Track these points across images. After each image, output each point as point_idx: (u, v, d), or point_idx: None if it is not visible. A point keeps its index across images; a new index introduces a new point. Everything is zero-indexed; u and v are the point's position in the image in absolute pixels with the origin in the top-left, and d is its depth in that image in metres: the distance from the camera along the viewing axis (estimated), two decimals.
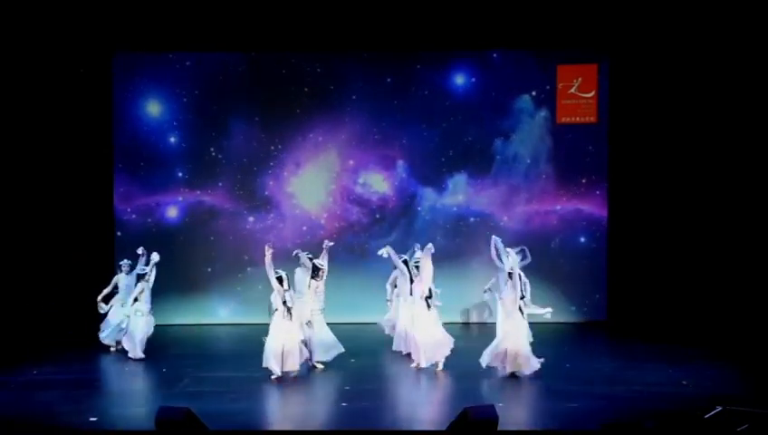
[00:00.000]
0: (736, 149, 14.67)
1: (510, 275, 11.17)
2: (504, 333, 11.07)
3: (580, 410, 9.58)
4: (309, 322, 11.71)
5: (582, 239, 15.61)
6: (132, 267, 13.11)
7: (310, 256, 12.48)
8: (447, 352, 11.56)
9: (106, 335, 13.01)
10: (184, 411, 8.03)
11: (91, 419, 9.26)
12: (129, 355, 12.40)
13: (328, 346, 11.85)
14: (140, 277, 12.46)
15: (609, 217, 15.50)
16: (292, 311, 11.22)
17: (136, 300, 12.50)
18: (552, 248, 15.50)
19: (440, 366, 11.53)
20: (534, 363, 11.11)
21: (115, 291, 13.15)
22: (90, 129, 15.13)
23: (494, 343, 11.15)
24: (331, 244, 12.41)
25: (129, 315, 12.48)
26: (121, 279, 13.13)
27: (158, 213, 15.55)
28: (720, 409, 8.90)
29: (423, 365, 11.48)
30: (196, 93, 15.48)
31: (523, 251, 12.48)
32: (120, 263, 13.29)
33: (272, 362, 11.02)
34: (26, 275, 14.68)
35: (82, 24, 14.69)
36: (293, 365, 11.18)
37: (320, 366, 11.75)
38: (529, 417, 9.53)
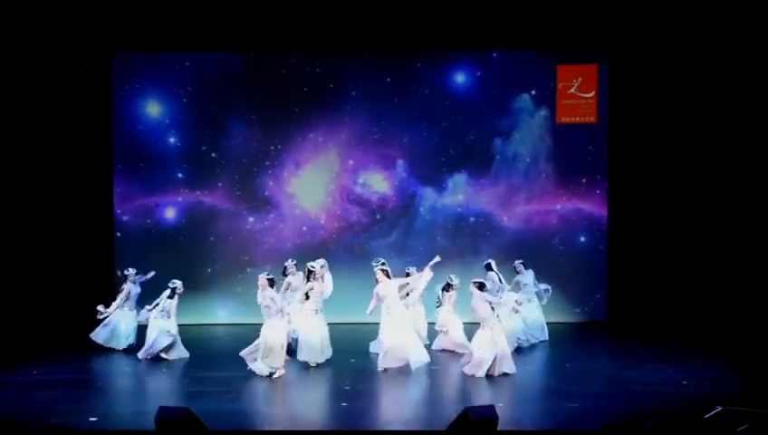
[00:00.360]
0: (736, 148, 14.67)
1: (480, 286, 11.38)
2: (486, 342, 11.15)
3: (580, 410, 9.58)
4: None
5: (582, 239, 15.61)
6: (137, 274, 13.21)
7: (295, 262, 12.88)
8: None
9: (119, 343, 13.08)
10: (184, 411, 8.03)
11: (91, 419, 9.26)
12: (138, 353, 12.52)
13: (313, 350, 11.93)
14: (173, 292, 12.44)
15: (610, 216, 15.50)
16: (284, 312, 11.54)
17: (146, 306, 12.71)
18: (552, 248, 15.50)
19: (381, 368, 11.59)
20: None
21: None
22: (89, 129, 15.12)
23: (480, 356, 11.19)
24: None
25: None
26: (132, 288, 13.19)
27: (157, 214, 15.54)
28: (720, 409, 8.91)
29: (424, 361, 11.51)
30: (196, 94, 15.47)
31: (547, 291, 13.24)
32: (127, 273, 13.23)
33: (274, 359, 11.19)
34: (26, 275, 14.67)
35: (82, 25, 14.68)
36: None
37: (312, 364, 11.78)
38: (529, 417, 9.52)
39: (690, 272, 14.84)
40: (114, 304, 13.06)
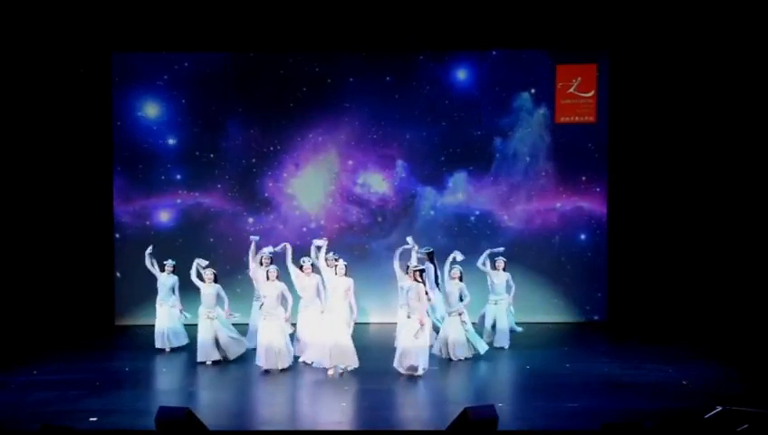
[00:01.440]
0: (736, 147, 14.67)
1: (421, 273, 11.53)
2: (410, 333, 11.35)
3: (580, 410, 9.60)
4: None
5: (583, 237, 15.59)
6: (175, 267, 13.13)
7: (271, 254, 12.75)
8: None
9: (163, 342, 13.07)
10: (184, 411, 8.03)
11: (91, 419, 9.27)
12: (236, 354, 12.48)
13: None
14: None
15: (609, 215, 15.47)
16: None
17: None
18: (552, 246, 15.51)
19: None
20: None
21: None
22: (89, 130, 15.11)
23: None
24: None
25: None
26: (163, 278, 13.12)
27: (156, 215, 15.51)
28: (720, 409, 8.92)
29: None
30: (195, 95, 15.45)
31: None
32: (165, 262, 13.15)
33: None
34: (26, 275, 14.65)
35: (82, 25, 14.68)
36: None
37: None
38: (529, 417, 9.51)
39: (690, 271, 14.84)
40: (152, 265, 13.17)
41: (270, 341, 11.56)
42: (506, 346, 13.06)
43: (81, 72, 14.97)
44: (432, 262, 12.92)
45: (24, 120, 14.73)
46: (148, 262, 13.15)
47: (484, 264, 13.07)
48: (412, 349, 11.27)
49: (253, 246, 12.85)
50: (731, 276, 14.51)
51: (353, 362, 11.37)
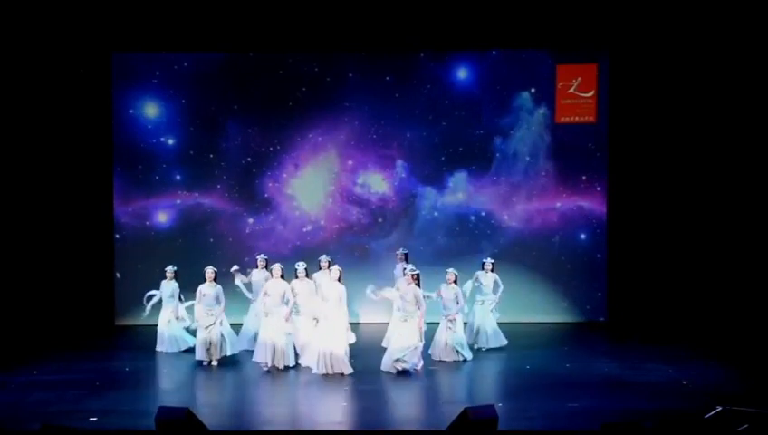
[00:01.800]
0: (736, 147, 14.66)
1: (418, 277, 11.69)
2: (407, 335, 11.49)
3: (580, 410, 9.60)
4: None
5: (583, 236, 15.59)
6: (176, 273, 13.11)
7: (266, 257, 13.15)
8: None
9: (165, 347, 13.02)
10: (184, 411, 8.03)
11: (91, 419, 9.27)
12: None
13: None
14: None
15: (609, 215, 15.47)
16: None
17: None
18: (552, 246, 15.51)
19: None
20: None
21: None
22: (89, 130, 15.11)
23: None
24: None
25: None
26: (165, 285, 13.10)
27: (156, 215, 15.50)
28: (720, 409, 8.92)
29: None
30: (194, 95, 15.45)
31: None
32: (166, 269, 13.12)
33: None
34: (27, 275, 14.65)
35: (81, 25, 14.68)
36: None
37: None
38: (529, 417, 9.51)
39: (690, 271, 14.83)
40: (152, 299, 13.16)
41: (272, 338, 11.57)
42: (504, 343, 13.07)
43: (81, 72, 14.97)
44: (407, 263, 12.97)
45: (25, 120, 14.74)
46: (154, 301, 13.15)
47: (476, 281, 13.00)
48: (406, 348, 11.34)
49: (235, 277, 13.08)
50: (731, 276, 14.51)
51: (343, 370, 11.41)
